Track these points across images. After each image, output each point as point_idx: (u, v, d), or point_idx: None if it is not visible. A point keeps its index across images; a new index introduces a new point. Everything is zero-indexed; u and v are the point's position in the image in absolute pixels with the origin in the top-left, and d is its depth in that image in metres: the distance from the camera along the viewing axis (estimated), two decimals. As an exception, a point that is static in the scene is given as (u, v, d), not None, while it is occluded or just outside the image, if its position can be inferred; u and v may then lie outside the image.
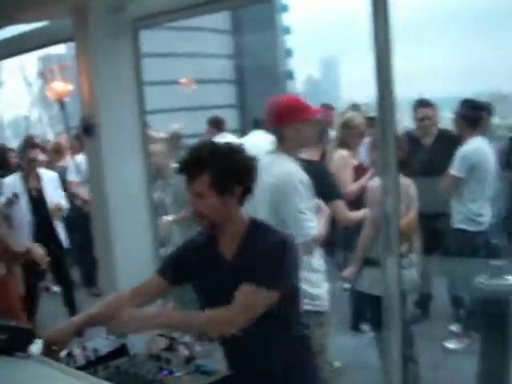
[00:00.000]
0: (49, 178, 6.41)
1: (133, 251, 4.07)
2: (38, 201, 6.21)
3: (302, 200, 3.36)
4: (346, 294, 5.70)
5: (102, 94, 3.97)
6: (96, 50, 3.96)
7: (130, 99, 4.10)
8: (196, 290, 2.66)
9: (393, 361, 3.13)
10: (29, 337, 2.40)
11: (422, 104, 5.93)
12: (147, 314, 2.34)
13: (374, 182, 4.17)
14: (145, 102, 4.18)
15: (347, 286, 5.65)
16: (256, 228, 2.55)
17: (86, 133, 4.03)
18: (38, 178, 6.28)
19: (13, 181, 6.23)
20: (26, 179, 6.21)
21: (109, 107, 3.98)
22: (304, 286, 3.00)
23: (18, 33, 4.69)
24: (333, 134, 7.48)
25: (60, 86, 9.82)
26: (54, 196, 6.32)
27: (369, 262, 4.26)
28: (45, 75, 10.40)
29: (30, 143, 6.62)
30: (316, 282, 3.54)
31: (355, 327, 5.69)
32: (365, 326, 5.48)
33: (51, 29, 4.53)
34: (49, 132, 19.12)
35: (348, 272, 4.55)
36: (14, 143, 12.47)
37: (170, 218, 5.11)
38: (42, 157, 6.43)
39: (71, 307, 6.41)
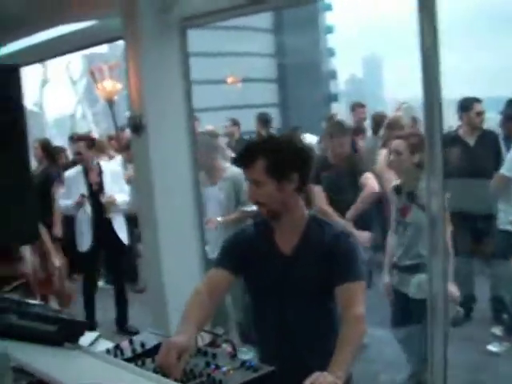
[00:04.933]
0: (111, 171, 6.30)
1: (178, 250, 4.12)
2: (97, 195, 6.09)
3: None
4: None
5: (151, 93, 4.03)
6: (145, 49, 4.03)
7: (178, 98, 4.16)
8: (247, 282, 2.68)
9: (435, 362, 3.13)
10: (80, 328, 2.45)
11: (474, 101, 5.83)
12: (347, 358, 2.25)
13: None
14: (192, 101, 4.23)
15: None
16: (316, 223, 2.57)
17: (135, 131, 4.09)
18: (98, 171, 6.16)
19: (74, 174, 6.18)
20: (85, 173, 6.12)
21: (157, 106, 4.04)
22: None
23: (63, 32, 4.77)
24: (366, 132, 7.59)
25: (109, 85, 9.96)
26: (115, 190, 6.14)
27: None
28: (93, 74, 10.51)
29: (75, 137, 6.67)
30: None
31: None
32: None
33: (97, 29, 4.62)
34: (94, 130, 19.35)
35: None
36: (59, 141, 12.68)
37: (219, 218, 5.05)
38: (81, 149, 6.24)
39: (123, 303, 6.47)
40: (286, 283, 2.52)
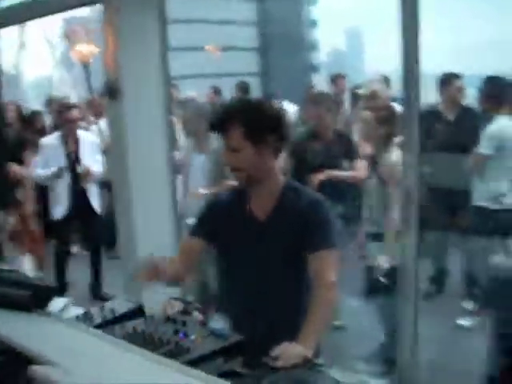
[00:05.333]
0: (88, 142, 6.22)
1: (152, 215, 4.11)
2: (74, 165, 6.04)
3: None
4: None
5: (127, 58, 3.98)
6: (123, 13, 3.97)
7: (155, 64, 4.11)
8: (220, 249, 2.68)
9: (405, 333, 3.16)
10: (50, 294, 2.43)
11: (453, 76, 5.82)
12: (316, 329, 2.29)
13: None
14: (169, 67, 4.18)
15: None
16: (292, 189, 2.56)
17: (110, 96, 4.04)
18: (76, 141, 6.10)
19: (51, 142, 6.08)
20: (64, 142, 6.04)
21: (133, 71, 4.00)
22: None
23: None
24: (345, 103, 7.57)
25: (84, 48, 9.83)
26: (90, 160, 6.09)
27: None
28: (69, 36, 10.36)
29: (66, 104, 6.53)
30: None
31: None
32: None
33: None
34: (71, 93, 19.13)
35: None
36: (36, 104, 12.48)
37: (202, 190, 4.96)
38: (78, 115, 6.24)
39: (96, 270, 6.48)
40: (259, 249, 2.52)
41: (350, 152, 5.05)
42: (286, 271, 2.52)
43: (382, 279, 4.08)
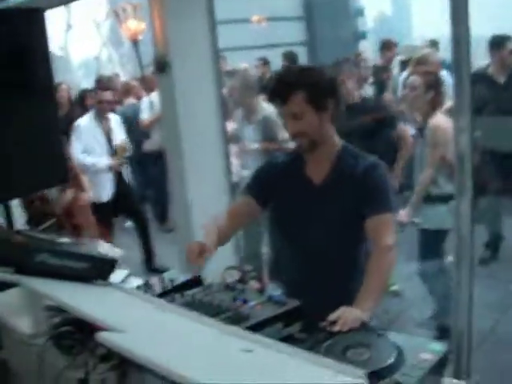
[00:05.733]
0: (115, 120, 6.39)
1: (206, 185, 4.16)
2: (111, 144, 6.19)
3: None
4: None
5: (175, 32, 4.01)
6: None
7: (203, 37, 4.13)
8: (275, 210, 2.70)
9: (461, 301, 3.14)
10: (110, 266, 2.50)
11: (505, 39, 5.69)
12: (374, 293, 2.30)
13: (440, 121, 4.14)
14: (217, 39, 4.20)
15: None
16: (348, 153, 2.57)
17: (160, 70, 4.08)
18: (108, 120, 6.25)
19: (88, 123, 6.17)
20: (100, 121, 6.17)
21: (182, 45, 4.02)
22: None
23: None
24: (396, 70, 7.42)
25: (134, 25, 9.89)
26: (119, 138, 6.28)
27: (434, 198, 4.27)
28: (117, 14, 10.43)
29: (99, 85, 6.65)
30: None
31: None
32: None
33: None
34: (120, 71, 19.29)
35: (405, 214, 4.35)
36: (85, 83, 12.61)
37: (256, 145, 5.01)
38: (111, 97, 6.35)
39: (146, 242, 6.58)
40: (315, 213, 2.54)
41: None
42: (343, 234, 2.53)
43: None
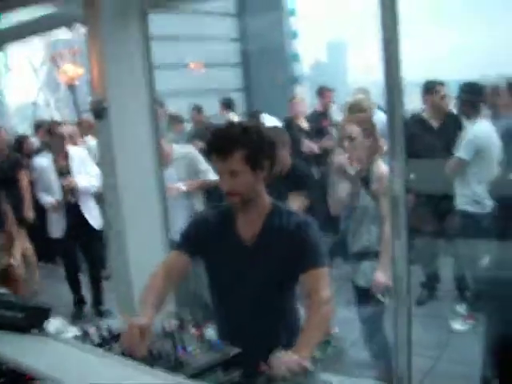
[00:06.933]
0: (78, 156, 6.21)
1: (144, 234, 4.11)
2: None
3: None
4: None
5: (113, 77, 3.98)
6: (106, 33, 3.96)
7: (140, 82, 4.12)
8: (206, 266, 2.71)
9: (400, 342, 3.17)
10: (45, 315, 2.45)
11: (437, 84, 5.86)
12: (312, 338, 2.32)
13: (384, 170, 4.07)
14: (155, 85, 4.20)
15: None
16: (279, 211, 2.60)
17: (97, 116, 4.05)
18: (66, 156, 6.11)
19: (42, 161, 6.16)
20: (55, 160, 6.09)
21: (119, 90, 4.00)
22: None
23: (25, 18, 4.69)
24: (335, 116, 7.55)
25: (71, 69, 9.86)
26: (82, 174, 6.09)
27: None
28: (54, 59, 10.40)
29: (56, 121, 6.58)
30: None
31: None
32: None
33: (58, 13, 4.53)
34: (56, 116, 19.10)
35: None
36: (20, 129, 12.43)
37: (181, 185, 4.98)
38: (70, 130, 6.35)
39: (96, 283, 6.47)
40: (247, 273, 2.56)
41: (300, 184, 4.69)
42: (272, 294, 2.57)
43: (380, 297, 4.02)
